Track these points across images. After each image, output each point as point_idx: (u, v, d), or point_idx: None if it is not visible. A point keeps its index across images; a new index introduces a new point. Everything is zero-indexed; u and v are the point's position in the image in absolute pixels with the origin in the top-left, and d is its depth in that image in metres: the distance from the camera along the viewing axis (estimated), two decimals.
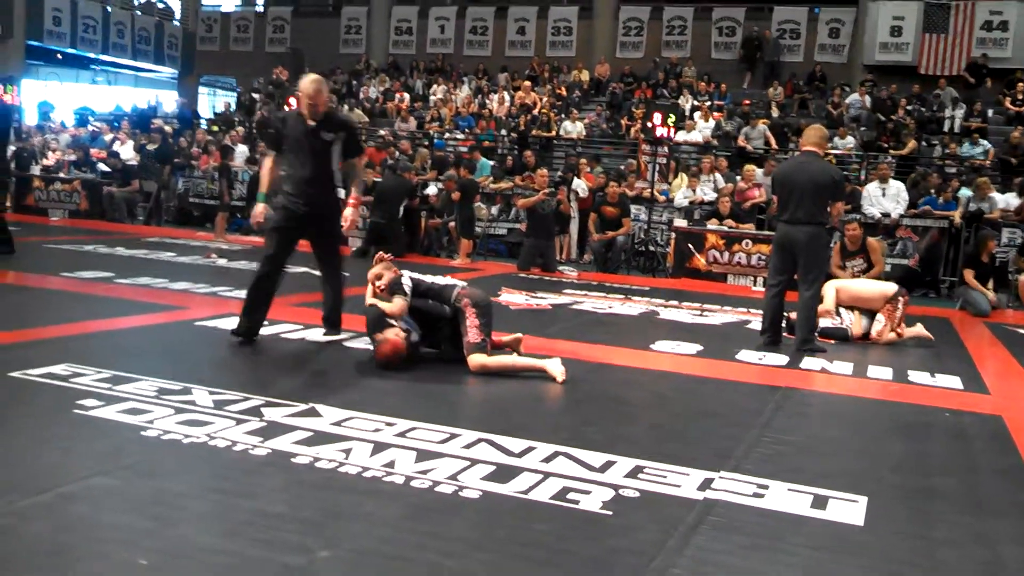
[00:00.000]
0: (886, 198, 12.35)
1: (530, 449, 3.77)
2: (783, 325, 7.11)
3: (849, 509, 3.33)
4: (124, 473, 3.30)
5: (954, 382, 5.96)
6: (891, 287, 7.63)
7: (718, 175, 14.10)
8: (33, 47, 24.08)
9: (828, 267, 7.43)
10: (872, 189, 12.55)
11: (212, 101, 29.82)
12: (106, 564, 2.55)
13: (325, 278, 6.16)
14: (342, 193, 6.18)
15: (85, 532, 2.75)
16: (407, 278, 5.47)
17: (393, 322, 5.25)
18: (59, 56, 26.04)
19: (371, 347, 5.38)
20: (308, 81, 5.82)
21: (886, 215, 12.20)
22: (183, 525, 2.89)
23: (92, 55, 26.34)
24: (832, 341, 7.19)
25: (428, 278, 5.61)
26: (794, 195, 6.79)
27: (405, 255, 11.79)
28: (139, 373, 4.62)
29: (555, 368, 5.27)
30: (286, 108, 5.88)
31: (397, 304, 5.32)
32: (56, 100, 23.36)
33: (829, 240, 7.44)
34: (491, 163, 15.96)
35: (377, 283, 5.43)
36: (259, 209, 5.95)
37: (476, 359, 5.29)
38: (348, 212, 5.95)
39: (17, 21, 22.89)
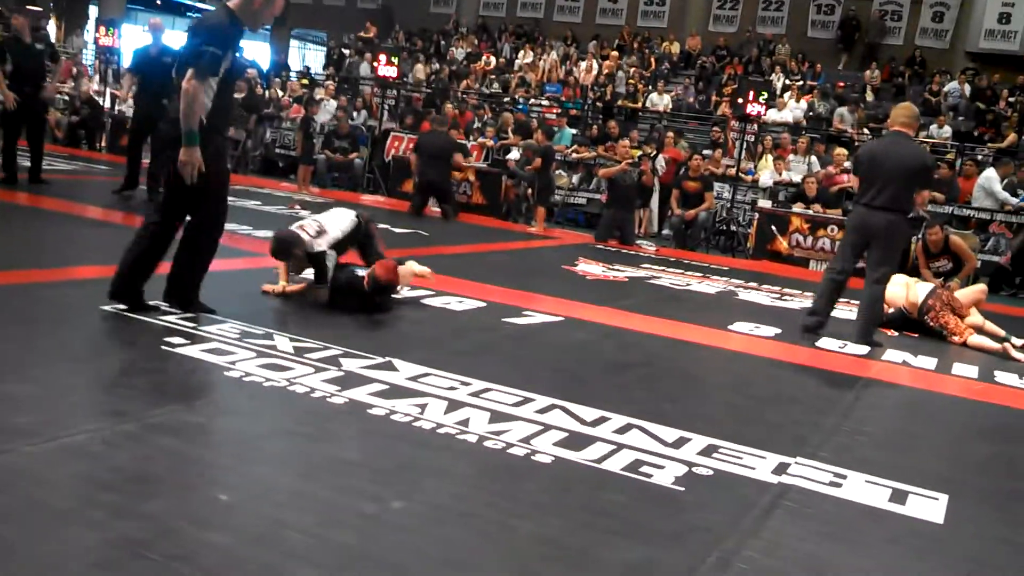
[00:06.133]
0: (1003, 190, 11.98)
1: (603, 419, 3.76)
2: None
3: (929, 506, 3.24)
4: (207, 410, 3.39)
5: None
6: (923, 293, 7.13)
7: (814, 158, 13.76)
8: None
9: (898, 259, 6.94)
10: (992, 176, 12.07)
11: (303, 54, 30.14)
12: (187, 496, 2.62)
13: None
14: None
15: (168, 463, 2.83)
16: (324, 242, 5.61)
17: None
18: (158, 2, 26.59)
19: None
20: None
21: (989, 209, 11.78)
22: (261, 465, 2.95)
23: (189, 2, 26.83)
24: (893, 333, 6.99)
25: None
26: (879, 178, 6.29)
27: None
28: (223, 316, 4.72)
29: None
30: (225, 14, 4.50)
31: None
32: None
33: (911, 232, 6.97)
34: (573, 131, 15.84)
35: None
36: (199, 155, 4.44)
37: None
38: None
39: None
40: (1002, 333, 6.85)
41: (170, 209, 4.67)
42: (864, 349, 6.21)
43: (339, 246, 5.75)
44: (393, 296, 5.65)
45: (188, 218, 4.71)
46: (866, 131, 16.41)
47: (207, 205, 4.66)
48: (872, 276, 6.46)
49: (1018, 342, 6.83)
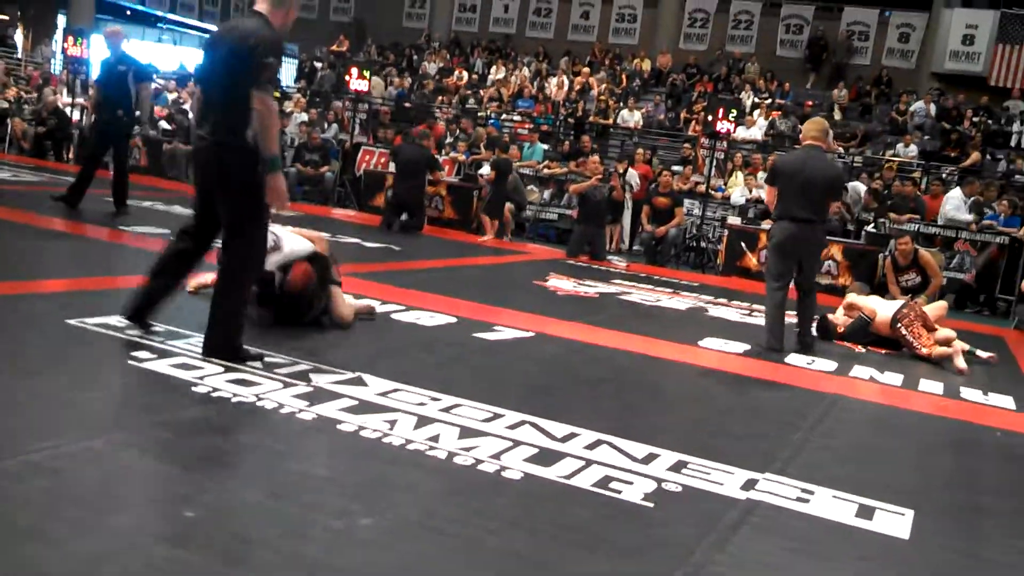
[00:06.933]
0: (967, 208, 12.13)
1: (573, 435, 3.76)
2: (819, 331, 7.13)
3: (895, 521, 3.27)
4: (174, 426, 3.34)
5: (1007, 402, 5.82)
6: (890, 311, 7.21)
7: None
8: (103, 2, 24.41)
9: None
10: (956, 195, 12.26)
11: None
12: (153, 512, 2.60)
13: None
14: None
15: (134, 480, 2.80)
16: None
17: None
18: (128, 13, 26.41)
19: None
20: None
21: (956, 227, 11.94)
22: (229, 481, 2.93)
23: (160, 13, 26.68)
24: (860, 348, 7.07)
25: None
26: (800, 190, 6.41)
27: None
28: (191, 330, 4.66)
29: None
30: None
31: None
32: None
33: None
34: (545, 147, 15.90)
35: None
36: (284, 185, 4.21)
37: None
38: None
39: None
40: (967, 347, 6.99)
41: (201, 232, 4.41)
42: (834, 365, 6.28)
43: (287, 268, 5.16)
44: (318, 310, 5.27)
45: (222, 252, 4.27)
46: (840, 148, 16.63)
47: (245, 234, 4.23)
48: (804, 286, 6.77)
49: (983, 355, 6.96)
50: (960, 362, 6.66)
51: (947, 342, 6.99)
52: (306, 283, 5.08)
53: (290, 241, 5.24)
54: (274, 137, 4.10)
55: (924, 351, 6.87)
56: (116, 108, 9.14)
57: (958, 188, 12.55)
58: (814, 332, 6.88)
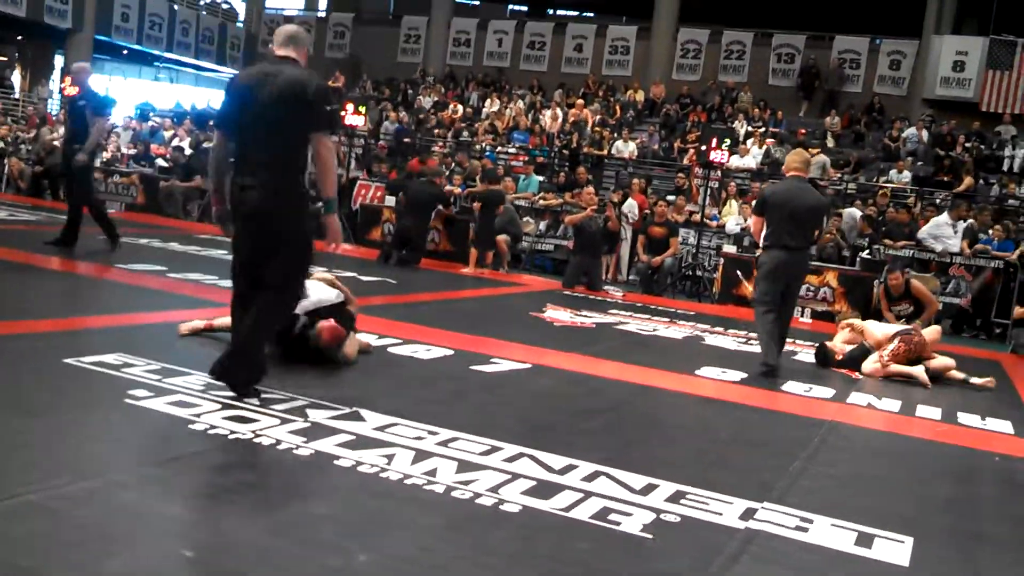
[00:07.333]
0: (956, 235, 12.17)
1: (571, 467, 3.75)
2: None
3: (895, 549, 3.26)
4: (172, 465, 3.34)
5: (1005, 426, 5.82)
6: (893, 328, 7.44)
7: None
8: (100, 41, 24.63)
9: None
10: (943, 219, 12.34)
11: None
12: (151, 552, 2.58)
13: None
14: None
15: (132, 520, 2.79)
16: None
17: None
18: (124, 52, 26.62)
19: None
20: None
21: (949, 253, 11.98)
22: (227, 519, 2.92)
23: (156, 52, 26.89)
24: (857, 376, 7.11)
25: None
26: (790, 220, 6.65)
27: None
28: (188, 367, 4.68)
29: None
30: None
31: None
32: (118, 95, 23.85)
33: None
34: (540, 179, 15.99)
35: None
36: (339, 225, 4.58)
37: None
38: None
39: (88, 15, 23.45)
40: (963, 376, 7.08)
41: (249, 276, 4.45)
42: (831, 392, 6.30)
43: (312, 315, 5.23)
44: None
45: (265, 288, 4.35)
46: (837, 175, 16.72)
47: (288, 287, 4.41)
48: (786, 311, 6.87)
49: (978, 381, 6.98)
50: (921, 375, 6.91)
51: (946, 370, 7.08)
52: (336, 342, 5.18)
53: (316, 291, 5.28)
54: (334, 181, 4.34)
55: (885, 359, 7.02)
56: (76, 143, 9.22)
57: (945, 213, 12.61)
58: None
